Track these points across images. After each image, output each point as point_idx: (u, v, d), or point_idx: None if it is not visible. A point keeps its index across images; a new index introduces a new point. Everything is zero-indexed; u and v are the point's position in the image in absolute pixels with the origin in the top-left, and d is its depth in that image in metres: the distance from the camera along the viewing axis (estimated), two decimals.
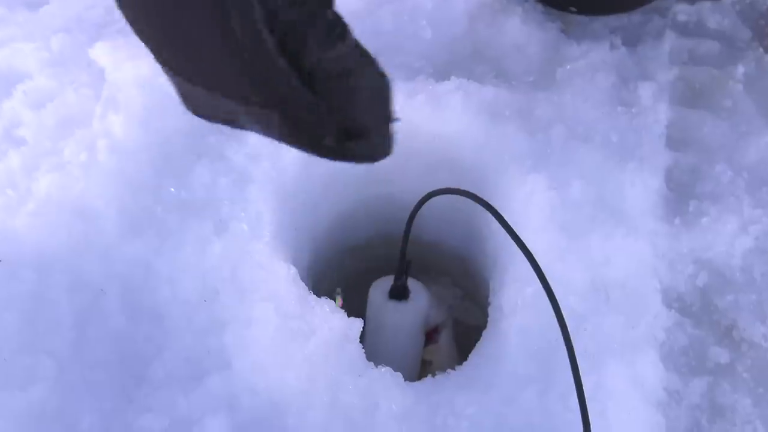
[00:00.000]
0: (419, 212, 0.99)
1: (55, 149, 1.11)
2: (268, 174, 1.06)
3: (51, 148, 1.11)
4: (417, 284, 1.14)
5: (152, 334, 0.98)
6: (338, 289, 1.14)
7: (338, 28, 0.54)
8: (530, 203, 1.04)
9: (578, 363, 0.94)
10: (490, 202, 0.97)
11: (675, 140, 1.24)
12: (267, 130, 0.60)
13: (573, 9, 1.35)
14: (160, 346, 0.97)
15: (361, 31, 1.36)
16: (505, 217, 1.04)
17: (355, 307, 1.10)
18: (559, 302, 0.98)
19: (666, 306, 1.04)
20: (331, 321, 0.92)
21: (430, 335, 1.17)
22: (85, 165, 1.06)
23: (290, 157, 1.08)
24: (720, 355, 1.02)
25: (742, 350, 1.04)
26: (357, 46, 0.56)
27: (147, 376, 0.95)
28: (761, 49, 1.40)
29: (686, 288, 1.08)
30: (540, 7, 1.39)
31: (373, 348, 1.12)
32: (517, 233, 0.87)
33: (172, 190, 1.06)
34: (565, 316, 0.96)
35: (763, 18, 1.46)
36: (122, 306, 1.00)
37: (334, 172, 1.14)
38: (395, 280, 1.10)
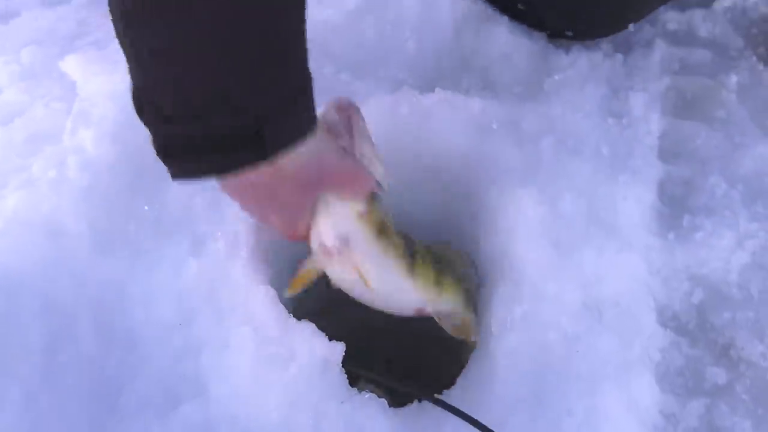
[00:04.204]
0: (407, 223, 0.95)
1: (23, 166, 1.06)
2: None
3: (19, 165, 1.07)
4: None
5: (125, 360, 0.94)
6: None
7: None
8: (519, 218, 1.00)
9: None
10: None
11: (667, 152, 1.20)
12: None
13: (569, 33, 1.32)
14: (134, 372, 0.93)
15: (342, 44, 1.33)
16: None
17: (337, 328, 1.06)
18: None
19: (661, 325, 1.00)
20: (311, 345, 0.88)
21: None
22: (55, 182, 1.01)
23: None
24: (717, 375, 0.99)
25: (740, 370, 1.00)
26: None
27: (119, 404, 0.91)
28: (755, 58, 1.37)
29: (681, 306, 1.04)
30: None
31: None
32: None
33: (146, 208, 1.02)
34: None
35: (756, 26, 1.43)
36: (94, 330, 0.95)
37: None
38: None
